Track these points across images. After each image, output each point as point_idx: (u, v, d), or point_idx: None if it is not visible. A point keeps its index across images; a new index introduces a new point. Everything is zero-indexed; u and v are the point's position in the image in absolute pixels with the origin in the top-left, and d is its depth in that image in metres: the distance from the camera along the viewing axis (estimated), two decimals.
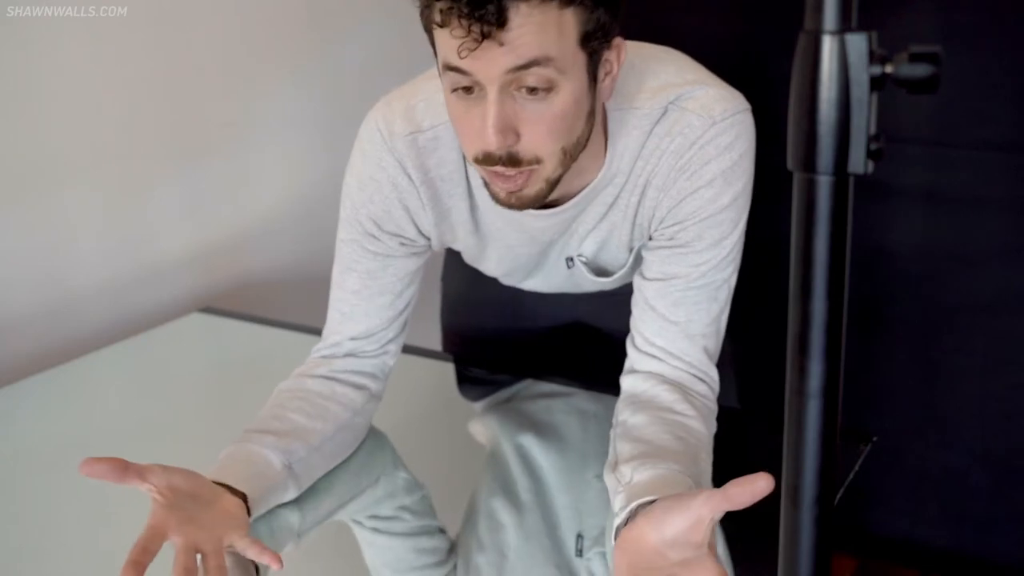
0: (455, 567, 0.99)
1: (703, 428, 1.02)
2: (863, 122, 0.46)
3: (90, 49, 1.51)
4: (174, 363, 1.54)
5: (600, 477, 1.03)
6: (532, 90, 0.90)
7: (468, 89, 0.91)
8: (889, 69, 0.46)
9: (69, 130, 1.51)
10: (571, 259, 1.16)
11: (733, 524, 1.05)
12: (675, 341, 1.06)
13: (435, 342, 1.56)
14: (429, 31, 0.92)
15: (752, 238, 1.12)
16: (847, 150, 0.46)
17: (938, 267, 1.79)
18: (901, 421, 1.90)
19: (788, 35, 0.50)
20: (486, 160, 0.94)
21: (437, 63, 0.94)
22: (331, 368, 1.13)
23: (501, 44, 0.87)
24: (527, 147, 0.93)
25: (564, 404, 1.30)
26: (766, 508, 0.81)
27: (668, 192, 1.04)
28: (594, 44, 0.92)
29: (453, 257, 1.47)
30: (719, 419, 1.07)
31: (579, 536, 0.99)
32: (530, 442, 1.20)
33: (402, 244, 1.12)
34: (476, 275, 1.34)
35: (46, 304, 1.51)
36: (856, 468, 1.10)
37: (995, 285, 1.74)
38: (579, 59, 0.91)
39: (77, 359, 1.48)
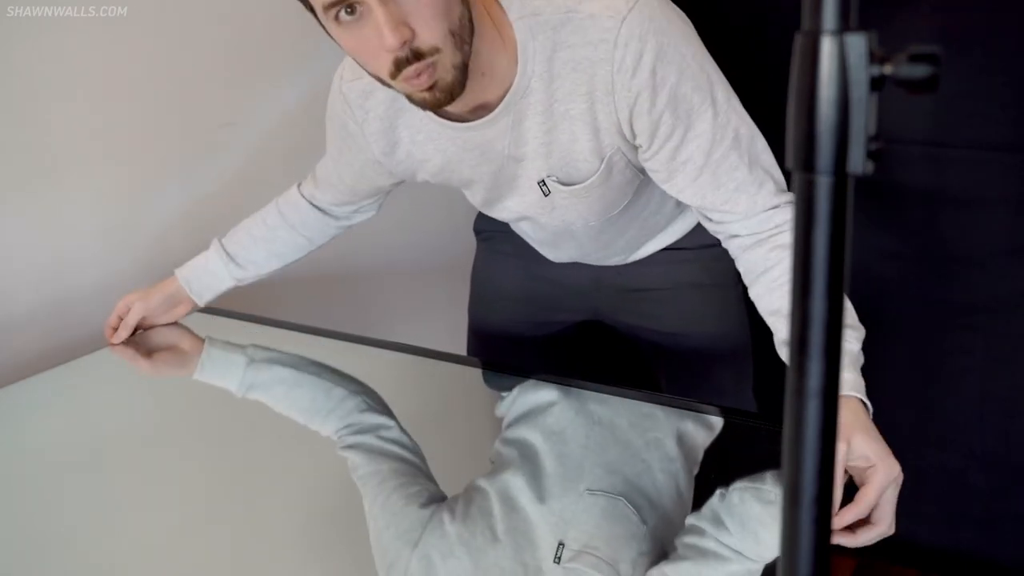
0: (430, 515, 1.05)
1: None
2: (863, 122, 0.46)
3: (90, 49, 1.51)
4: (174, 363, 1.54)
5: (592, 491, 1.07)
6: None
7: (351, 10, 0.97)
8: (889, 69, 0.46)
9: (69, 130, 1.51)
10: (543, 183, 1.19)
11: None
12: (733, 203, 1.13)
13: (455, 345, 1.59)
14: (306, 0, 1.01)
15: None
16: (847, 150, 0.46)
17: (938, 267, 1.79)
18: (901, 421, 1.90)
19: (787, 33, 0.50)
20: (397, 67, 1.00)
21: (320, 23, 1.02)
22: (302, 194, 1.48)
23: None
24: (423, 38, 0.99)
25: (574, 405, 1.30)
26: None
27: (615, 97, 1.08)
28: None
29: (481, 255, 1.57)
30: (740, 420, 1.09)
31: (560, 544, 0.99)
32: (535, 443, 1.20)
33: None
34: (500, 269, 1.46)
35: (46, 304, 1.51)
36: None
37: (995, 285, 1.74)
38: None
39: (77, 359, 1.48)
